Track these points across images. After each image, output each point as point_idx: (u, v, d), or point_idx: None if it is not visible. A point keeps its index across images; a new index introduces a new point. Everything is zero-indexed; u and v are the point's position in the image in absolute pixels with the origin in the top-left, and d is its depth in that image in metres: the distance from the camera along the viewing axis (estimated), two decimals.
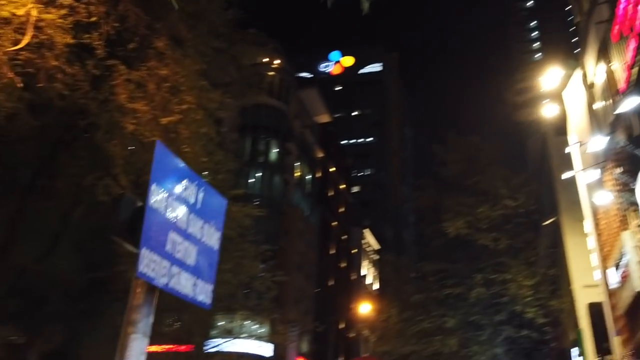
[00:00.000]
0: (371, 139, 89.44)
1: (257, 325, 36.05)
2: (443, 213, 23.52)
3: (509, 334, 22.69)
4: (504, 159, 24.58)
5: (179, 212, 3.04)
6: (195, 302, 3.10)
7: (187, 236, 3.08)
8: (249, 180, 41.84)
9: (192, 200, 3.18)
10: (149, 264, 2.70)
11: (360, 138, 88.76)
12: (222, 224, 3.36)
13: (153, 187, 2.82)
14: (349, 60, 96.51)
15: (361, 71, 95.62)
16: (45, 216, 13.36)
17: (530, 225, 23.29)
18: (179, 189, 3.05)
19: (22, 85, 7.94)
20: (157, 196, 2.84)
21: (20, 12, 7.08)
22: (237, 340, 31.77)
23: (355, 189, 75.29)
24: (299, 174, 49.13)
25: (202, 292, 3.17)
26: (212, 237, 3.30)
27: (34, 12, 7.31)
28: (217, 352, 28.91)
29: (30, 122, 9.60)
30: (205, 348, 28.09)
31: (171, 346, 29.86)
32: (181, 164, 3.14)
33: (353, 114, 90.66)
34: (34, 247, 14.10)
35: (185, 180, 3.13)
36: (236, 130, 39.18)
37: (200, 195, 3.24)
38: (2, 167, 11.72)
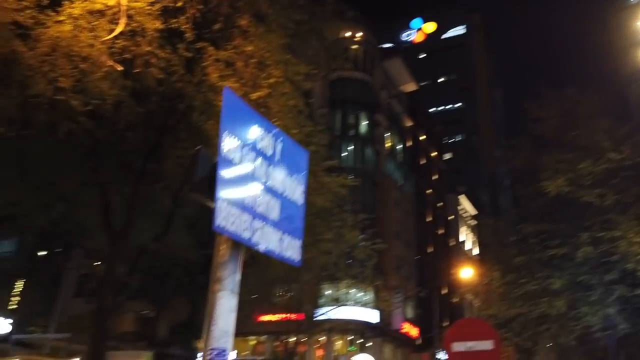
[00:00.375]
0: (460, 104, 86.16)
1: (362, 293, 36.30)
2: (541, 172, 21.99)
3: (622, 294, 20.93)
4: (605, 110, 22.41)
5: (257, 164, 2.79)
6: (283, 259, 2.86)
7: (267, 189, 2.84)
8: (342, 154, 41.80)
9: (269, 152, 2.91)
10: (227, 217, 2.49)
11: (448, 104, 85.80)
12: (306, 177, 3.09)
13: (225, 135, 2.57)
14: (431, 27, 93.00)
15: (444, 36, 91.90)
16: (158, 198, 13.99)
17: (638, 178, 21.20)
18: (254, 139, 2.80)
19: (121, 69, 8.21)
20: (230, 146, 2.59)
21: (112, 2, 7.25)
22: (343, 308, 32.19)
23: (447, 156, 73.16)
24: (389, 144, 48.40)
25: (289, 248, 2.91)
26: (296, 191, 3.03)
27: (124, 2, 7.47)
28: (326, 319, 29.45)
29: (135, 109, 9.95)
30: (314, 316, 28.72)
31: (283, 315, 30.85)
32: (255, 113, 2.88)
33: (439, 80, 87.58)
34: (151, 227, 14.86)
35: (260, 130, 2.86)
36: (326, 105, 39.19)
37: (279, 146, 2.97)
38: (117, 154, 12.33)
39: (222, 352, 2.38)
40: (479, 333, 6.72)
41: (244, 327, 39.72)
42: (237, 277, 2.56)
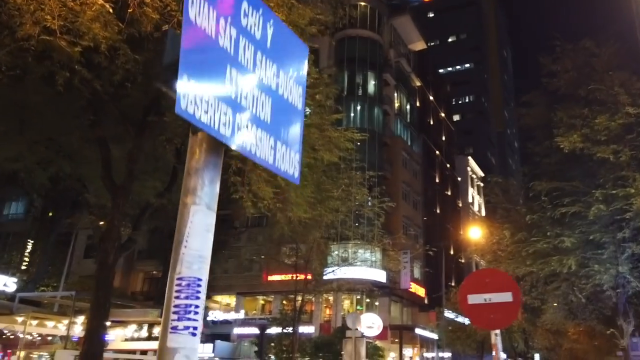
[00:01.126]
0: (469, 65, 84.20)
1: (370, 253, 36.14)
2: (554, 128, 21.25)
3: (634, 251, 20.50)
4: (622, 63, 21.46)
5: (240, 44, 2.14)
6: (279, 172, 2.29)
7: (254, 81, 2.21)
8: (350, 114, 41.02)
9: (257, 34, 2.25)
10: (198, 102, 1.87)
11: (457, 65, 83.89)
12: (304, 77, 2.50)
13: None
14: None
15: None
16: (161, 154, 13.55)
17: None
18: (234, 10, 2.15)
19: (113, 10, 7.63)
20: (199, 8, 1.93)
21: None
22: (351, 267, 32.05)
23: (456, 117, 72.05)
24: (398, 104, 47.46)
25: (285, 160, 2.32)
26: (293, 91, 2.40)
27: None
28: (334, 279, 29.34)
29: (132, 57, 9.38)
30: (322, 275, 28.58)
31: (291, 275, 30.77)
32: None
33: (449, 40, 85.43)
34: (154, 184, 14.49)
35: (244, 3, 2.19)
36: (333, 65, 38.16)
37: (269, 30, 2.31)
38: (116, 107, 11.84)
39: (196, 282, 1.85)
40: (497, 284, 6.21)
41: (253, 286, 39.91)
42: (216, 189, 1.99)
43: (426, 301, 46.94)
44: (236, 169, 10.74)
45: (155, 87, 11.21)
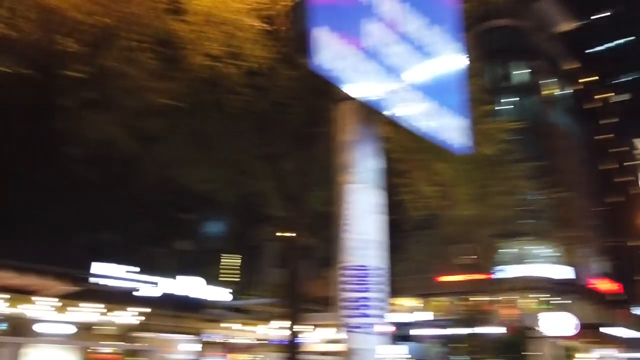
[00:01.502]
0: (629, 38, 72.99)
1: (547, 248, 33.10)
2: None
3: None
4: None
5: None
6: (441, 142, 1.83)
7: (402, 36, 1.76)
8: (503, 107, 38.17)
9: None
10: (336, 59, 1.47)
11: (614, 40, 73.23)
12: (459, 32, 2.00)
13: None
14: None
15: None
16: (325, 163, 13.64)
17: None
18: None
19: (267, 30, 7.77)
20: None
21: None
22: (528, 265, 29.71)
23: (622, 97, 63.09)
24: (553, 90, 42.99)
25: (448, 127, 1.84)
26: (445, 49, 1.93)
27: None
28: (510, 277, 27.44)
29: (289, 76, 9.55)
30: (496, 274, 26.87)
31: (468, 275, 29.23)
32: None
33: (601, 15, 75.12)
34: (321, 192, 14.70)
35: None
36: (479, 59, 35.89)
37: None
38: (280, 124, 12.19)
39: (363, 270, 1.49)
40: None
41: (428, 288, 38.68)
42: (376, 164, 1.62)
43: (612, 297, 41.34)
44: (396, 170, 10.38)
45: (313, 102, 11.37)
